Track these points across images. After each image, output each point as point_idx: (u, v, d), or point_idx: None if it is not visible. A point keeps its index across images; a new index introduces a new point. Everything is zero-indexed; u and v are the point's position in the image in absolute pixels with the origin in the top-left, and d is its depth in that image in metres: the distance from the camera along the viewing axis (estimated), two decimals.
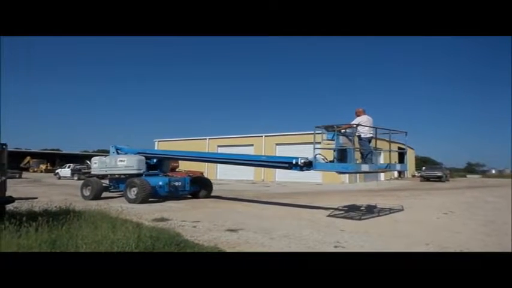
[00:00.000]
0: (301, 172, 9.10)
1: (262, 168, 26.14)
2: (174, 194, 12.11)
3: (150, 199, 11.28)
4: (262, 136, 32.29)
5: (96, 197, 12.12)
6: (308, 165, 8.56)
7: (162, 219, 7.56)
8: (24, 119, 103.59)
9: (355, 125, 8.06)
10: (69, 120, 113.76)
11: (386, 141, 9.27)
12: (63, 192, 15.50)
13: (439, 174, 30.98)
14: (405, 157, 11.11)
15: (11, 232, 4.37)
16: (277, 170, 24.00)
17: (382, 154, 12.73)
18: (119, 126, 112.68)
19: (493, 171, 56.06)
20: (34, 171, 47.55)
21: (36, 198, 7.83)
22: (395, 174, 35.47)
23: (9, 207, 6.54)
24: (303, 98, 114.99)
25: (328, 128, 8.01)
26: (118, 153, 13.45)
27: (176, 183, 12.17)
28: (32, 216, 5.56)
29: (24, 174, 35.86)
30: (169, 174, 14.47)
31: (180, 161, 20.92)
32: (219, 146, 33.57)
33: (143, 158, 12.58)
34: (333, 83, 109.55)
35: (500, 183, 28.23)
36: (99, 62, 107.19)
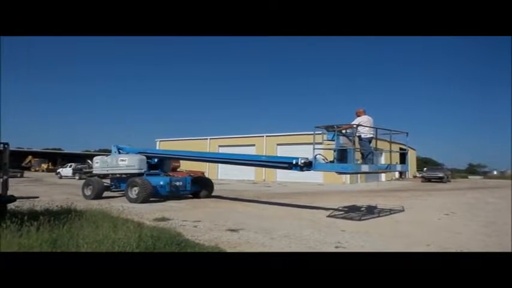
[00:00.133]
0: (302, 172, 9.10)
1: (263, 169, 26.10)
2: (175, 194, 12.14)
3: (151, 199, 11.31)
4: (263, 136, 32.29)
5: (98, 196, 12.16)
6: (308, 165, 8.56)
7: (163, 219, 7.57)
8: (26, 119, 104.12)
9: (355, 125, 8.04)
10: (70, 119, 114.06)
11: (387, 141, 9.27)
12: (65, 192, 15.53)
13: (441, 175, 30.90)
14: (406, 158, 11.10)
15: (12, 231, 4.39)
16: (278, 170, 23.97)
17: (384, 154, 12.71)
18: (119, 126, 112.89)
19: (495, 172, 55.77)
20: (35, 171, 47.69)
21: (37, 197, 7.85)
22: (397, 175, 35.35)
23: (11, 206, 6.56)
24: (303, 97, 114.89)
25: (328, 128, 8.01)
26: (120, 152, 13.52)
27: (177, 183, 12.22)
28: (33, 215, 5.58)
29: (26, 174, 36.05)
30: (171, 174, 14.51)
31: (181, 161, 20.93)
32: (220, 146, 33.54)
33: (144, 157, 12.62)
34: (333, 82, 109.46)
35: (500, 185, 28.15)
36: (100, 61, 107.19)
